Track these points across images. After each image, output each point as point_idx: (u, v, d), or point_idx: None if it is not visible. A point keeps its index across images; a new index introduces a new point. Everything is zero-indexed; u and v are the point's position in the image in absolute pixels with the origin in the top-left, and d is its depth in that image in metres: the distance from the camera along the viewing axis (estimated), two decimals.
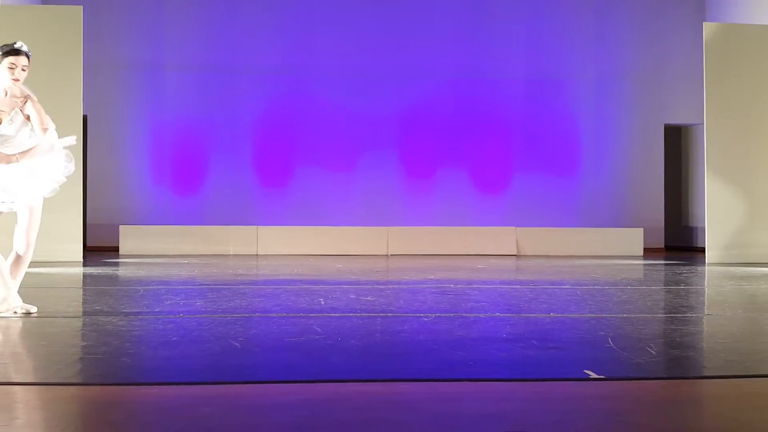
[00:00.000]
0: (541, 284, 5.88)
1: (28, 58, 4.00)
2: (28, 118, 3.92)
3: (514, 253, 10.72)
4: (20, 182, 3.90)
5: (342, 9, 11.43)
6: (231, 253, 10.24)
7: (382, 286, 5.65)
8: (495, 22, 11.61)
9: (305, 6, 11.40)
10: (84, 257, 8.47)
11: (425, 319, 3.78)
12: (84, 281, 6.10)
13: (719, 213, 8.81)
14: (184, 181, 11.20)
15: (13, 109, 3.89)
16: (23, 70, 3.96)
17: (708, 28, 9.07)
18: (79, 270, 7.10)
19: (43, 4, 10.76)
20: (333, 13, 11.43)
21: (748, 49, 8.97)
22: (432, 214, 11.34)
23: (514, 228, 10.93)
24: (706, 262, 8.63)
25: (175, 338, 3.25)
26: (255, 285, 5.91)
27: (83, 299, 4.85)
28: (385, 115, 11.41)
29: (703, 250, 9.22)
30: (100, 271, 7.07)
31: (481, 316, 3.99)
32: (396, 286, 5.76)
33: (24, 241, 4.01)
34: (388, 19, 11.50)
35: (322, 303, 4.44)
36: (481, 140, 11.53)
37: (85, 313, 4.08)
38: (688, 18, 11.77)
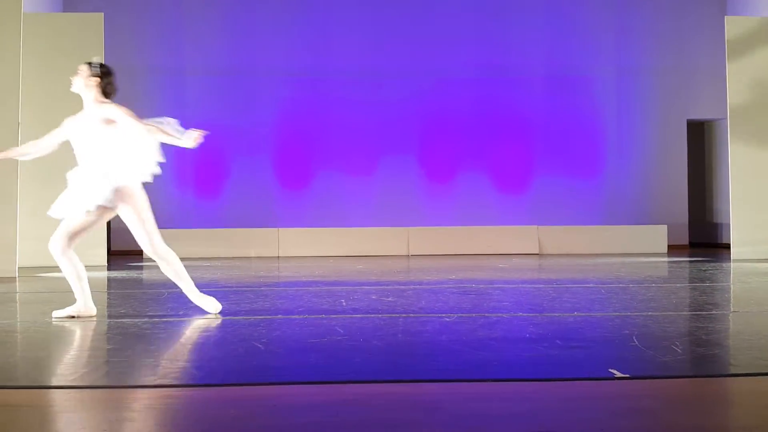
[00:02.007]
0: (564, 283, 5.84)
1: (84, 66, 4.08)
2: (109, 122, 3.95)
3: (536, 252, 10.65)
4: (90, 185, 3.90)
5: (361, 10, 11.45)
6: (253, 256, 10.30)
7: (403, 287, 5.65)
8: (514, 19, 11.55)
9: (324, 7, 11.44)
10: (108, 261, 8.57)
11: (447, 320, 3.77)
12: (109, 285, 6.18)
13: (744, 209, 8.68)
14: (206, 184, 11.29)
15: (96, 120, 4.01)
16: (79, 77, 4.07)
17: (730, 21, 8.94)
18: (104, 274, 7.19)
19: (64, 11, 10.93)
20: (351, 14, 11.45)
21: None
22: (452, 214, 11.31)
23: (536, 227, 10.86)
24: (732, 258, 8.51)
25: (200, 340, 3.28)
26: (277, 287, 5.94)
27: (108, 303, 4.91)
28: (404, 115, 11.41)
29: (728, 246, 9.09)
30: (124, 274, 7.16)
31: (504, 315, 3.97)
32: (417, 286, 5.76)
33: (152, 253, 3.99)
34: (407, 19, 11.49)
35: (344, 304, 4.45)
36: (501, 138, 11.48)
37: (110, 317, 4.13)
38: (710, 12, 11.62)
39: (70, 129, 4.05)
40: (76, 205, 3.92)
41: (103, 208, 3.96)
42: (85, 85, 4.02)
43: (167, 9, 11.34)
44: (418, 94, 11.46)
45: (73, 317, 3.90)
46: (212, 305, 4.00)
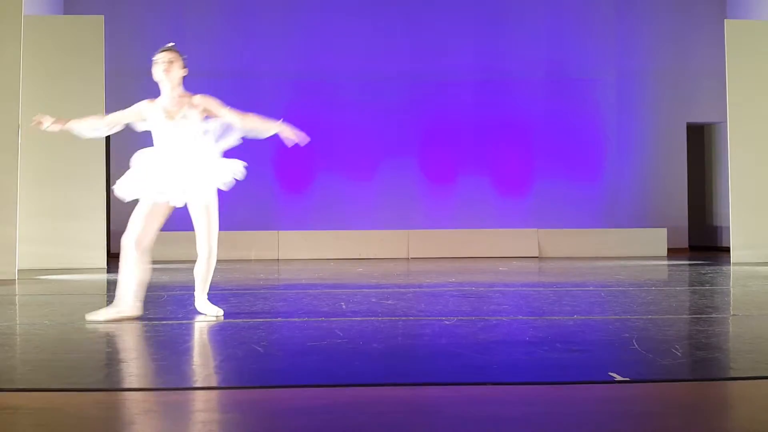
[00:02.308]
0: (564, 286, 5.84)
1: (169, 52, 3.98)
2: (201, 111, 3.89)
3: (536, 255, 10.65)
4: (188, 178, 3.82)
5: (362, 13, 11.47)
6: (252, 258, 10.30)
7: (403, 290, 5.65)
8: (514, 22, 11.56)
9: (326, 10, 11.45)
10: (108, 263, 8.57)
11: (447, 323, 3.77)
12: (108, 288, 6.17)
13: (744, 212, 8.68)
14: None
15: (182, 107, 3.90)
16: (170, 62, 3.95)
17: (730, 25, 8.95)
18: (104, 276, 7.19)
19: (65, 14, 10.94)
20: (353, 18, 11.46)
21: None
22: (452, 217, 11.31)
23: (535, 230, 10.86)
24: (731, 261, 8.51)
25: (199, 343, 3.27)
26: (277, 289, 5.94)
27: (108, 305, 4.89)
28: (405, 119, 11.42)
29: (727, 249, 9.09)
30: None
31: (504, 319, 3.97)
32: (417, 289, 5.75)
33: (206, 247, 4.01)
34: (409, 23, 11.51)
35: (344, 307, 4.44)
36: (501, 142, 11.48)
37: (109, 320, 4.12)
38: (710, 15, 11.63)
39: (148, 114, 3.93)
40: (151, 190, 3.83)
41: (168, 204, 3.89)
42: (178, 72, 3.95)
43: (167, 11, 11.36)
44: (419, 98, 11.47)
45: (116, 320, 3.85)
46: (216, 311, 4.04)
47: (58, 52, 8.39)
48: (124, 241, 3.91)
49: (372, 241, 10.54)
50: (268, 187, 11.25)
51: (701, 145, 12.52)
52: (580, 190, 11.43)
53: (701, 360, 2.84)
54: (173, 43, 4.05)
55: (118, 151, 11.17)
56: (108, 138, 10.47)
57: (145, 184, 3.86)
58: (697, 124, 12.08)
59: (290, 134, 3.93)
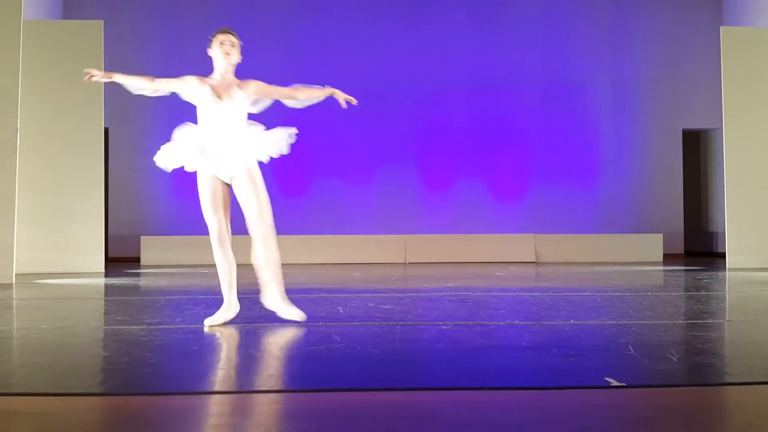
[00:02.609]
0: (561, 291, 5.85)
1: (235, 36, 3.97)
2: (250, 94, 3.86)
3: (533, 260, 10.66)
4: (229, 148, 3.76)
5: (359, 18, 11.50)
6: (250, 263, 10.29)
7: (400, 294, 5.66)
8: (511, 30, 11.60)
9: (325, 16, 11.48)
10: (106, 268, 8.57)
11: (444, 327, 3.78)
12: (106, 292, 6.17)
13: (739, 218, 8.71)
14: None
15: (231, 89, 3.88)
16: (232, 45, 3.94)
17: (725, 32, 9.00)
18: (101, 281, 7.19)
19: (64, 19, 10.95)
20: (350, 23, 11.50)
21: (766, 52, 8.89)
22: (450, 222, 11.32)
23: (532, 235, 10.88)
24: (727, 267, 8.53)
25: (196, 348, 3.28)
26: None
27: (105, 310, 4.90)
28: (402, 124, 11.44)
29: (723, 255, 9.12)
30: (121, 281, 7.15)
31: (501, 323, 3.98)
32: (414, 294, 5.76)
33: (259, 227, 3.81)
34: (407, 29, 11.54)
35: (341, 311, 4.45)
36: (498, 148, 11.51)
37: (107, 324, 4.13)
38: (705, 22, 11.69)
39: (197, 90, 3.94)
40: (192, 159, 3.81)
41: (217, 179, 3.84)
42: (238, 57, 3.95)
43: (167, 17, 11.38)
44: (416, 103, 11.49)
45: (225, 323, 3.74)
46: (296, 314, 3.82)
47: (57, 57, 8.40)
48: (218, 240, 3.90)
49: (370, 246, 10.54)
50: (267, 192, 11.24)
51: (697, 151, 12.56)
52: (576, 195, 11.46)
53: (697, 365, 2.85)
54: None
55: (116, 156, 11.17)
56: (107, 142, 10.48)
57: (187, 154, 3.82)
58: (692, 130, 12.13)
59: (342, 96, 3.97)
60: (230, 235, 3.94)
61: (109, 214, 10.86)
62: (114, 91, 10.61)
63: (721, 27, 9.31)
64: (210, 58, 4.01)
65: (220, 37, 3.95)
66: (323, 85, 4.03)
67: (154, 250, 10.33)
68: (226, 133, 3.82)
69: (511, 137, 11.54)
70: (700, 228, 12.33)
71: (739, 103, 8.78)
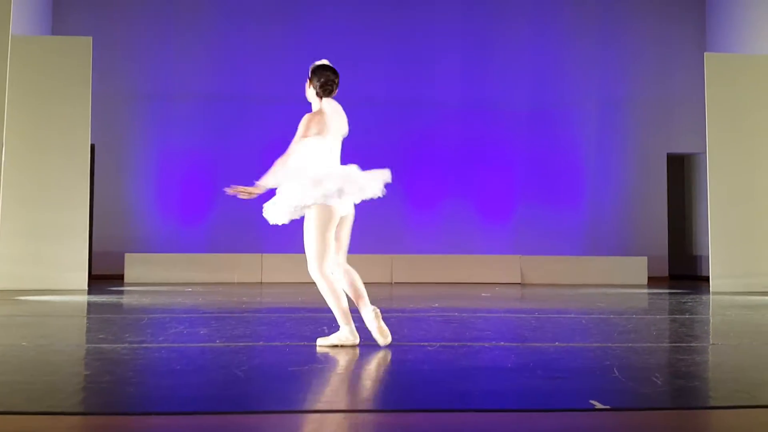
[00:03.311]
0: (546, 313, 5.85)
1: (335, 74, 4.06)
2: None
3: (519, 282, 10.68)
4: (357, 183, 3.91)
5: (346, 37, 11.58)
6: (236, 281, 10.24)
7: (385, 314, 5.63)
8: (498, 52, 11.73)
9: (309, 35, 11.56)
10: (89, 285, 8.48)
11: (430, 348, 3.76)
12: (88, 309, 6.10)
13: (723, 242, 8.79)
14: (190, 209, 11.25)
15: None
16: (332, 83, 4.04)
17: (709, 58, 9.15)
18: (84, 298, 7.11)
19: (53, 34, 10.94)
20: (337, 42, 11.57)
21: (749, 78, 9.04)
22: (436, 243, 11.34)
23: (518, 256, 10.92)
24: (711, 290, 8.59)
25: (178, 367, 3.24)
26: (259, 313, 5.91)
27: (87, 328, 4.84)
28: (390, 143, 11.49)
29: (707, 278, 9.18)
30: (104, 299, 7.07)
31: (486, 345, 3.98)
32: (400, 314, 5.74)
33: (344, 258, 3.96)
34: (394, 49, 11.64)
35: (326, 331, 4.42)
36: (485, 169, 11.58)
37: (89, 342, 4.08)
38: (690, 48, 11.89)
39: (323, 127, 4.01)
40: (278, 209, 3.85)
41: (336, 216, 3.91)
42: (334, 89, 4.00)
43: (154, 34, 11.40)
44: (404, 123, 11.56)
45: (336, 346, 3.70)
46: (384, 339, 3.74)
47: (44, 72, 8.38)
48: (312, 271, 3.88)
49: (356, 264, 10.49)
50: (253, 210, 11.20)
51: (681, 175, 12.70)
52: (562, 217, 11.53)
53: (681, 389, 2.85)
54: (323, 60, 4.08)
55: (102, 173, 11.11)
56: (93, 161, 10.43)
57: (320, 190, 3.87)
58: (677, 154, 12.27)
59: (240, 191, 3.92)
60: (335, 265, 4.06)
61: (93, 231, 10.77)
62: (101, 108, 10.63)
63: (705, 53, 9.47)
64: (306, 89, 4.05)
65: (333, 77, 4.10)
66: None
67: (138, 267, 10.24)
68: (349, 168, 4.00)
69: (499, 158, 11.62)
70: (685, 252, 12.43)
71: (722, 128, 8.90)
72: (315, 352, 3.58)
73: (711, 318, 5.74)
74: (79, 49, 8.54)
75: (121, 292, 7.99)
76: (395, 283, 10.38)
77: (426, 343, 3.96)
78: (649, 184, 11.76)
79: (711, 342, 4.28)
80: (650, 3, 12.02)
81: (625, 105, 11.83)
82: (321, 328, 4.59)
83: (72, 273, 8.27)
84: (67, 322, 5.21)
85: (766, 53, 9.78)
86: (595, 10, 11.89)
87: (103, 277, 10.68)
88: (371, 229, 11.41)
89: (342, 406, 2.48)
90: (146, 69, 11.31)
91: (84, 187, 8.43)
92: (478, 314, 5.78)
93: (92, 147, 10.38)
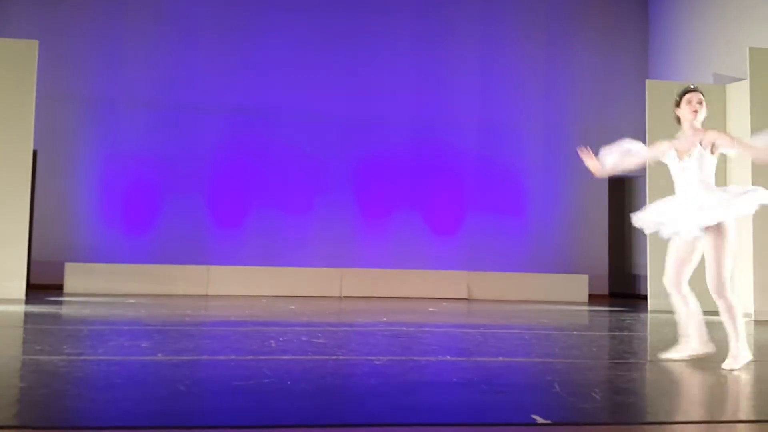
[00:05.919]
0: (491, 328, 5.94)
1: (700, 94, 4.09)
2: (712, 148, 3.89)
3: (466, 297, 10.81)
4: (701, 204, 3.81)
5: (302, 52, 11.59)
6: (181, 293, 10.04)
7: (334, 328, 5.63)
8: (450, 74, 11.93)
9: (263, 47, 11.52)
10: (27, 295, 8.19)
11: (377, 363, 3.78)
12: (25, 320, 5.89)
13: (660, 261, 9.02)
14: (135, 218, 11.00)
15: (692, 146, 3.97)
16: (699, 103, 4.03)
17: (651, 84, 9.50)
18: (21, 308, 6.86)
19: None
20: (292, 56, 11.56)
21: None
22: (386, 256, 11.38)
23: (465, 272, 11.06)
24: (648, 309, 8.86)
25: (118, 381, 3.17)
26: (204, 326, 5.81)
27: (24, 339, 4.68)
28: (341, 158, 11.51)
29: (645, 297, 9.47)
30: (42, 309, 6.84)
31: (432, 359, 4.01)
32: (348, 328, 5.74)
33: (712, 285, 3.83)
34: (348, 65, 11.70)
35: (273, 345, 4.39)
36: (434, 185, 11.72)
37: (25, 353, 3.95)
38: (632, 74, 12.33)
39: (666, 154, 4.13)
40: (680, 228, 3.92)
41: (694, 238, 3.92)
42: (704, 114, 4.05)
43: (103, 39, 11.17)
44: (355, 139, 11.60)
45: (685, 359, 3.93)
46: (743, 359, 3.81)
47: None
48: (665, 284, 4.15)
49: (305, 278, 10.46)
50: (201, 222, 11.06)
51: (622, 197, 13.10)
52: (508, 235, 11.75)
53: (619, 404, 2.94)
54: (693, 85, 4.14)
55: (43, 179, 10.78)
56: (34, 167, 10.11)
57: (660, 219, 4.07)
58: (618, 177, 12.66)
59: None
60: (685, 285, 4.14)
61: (33, 239, 10.42)
62: (44, 112, 10.32)
63: (646, 80, 9.83)
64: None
65: (689, 95, 4.09)
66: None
67: (78, 277, 9.94)
68: (687, 193, 3.99)
69: (447, 175, 11.77)
70: (624, 270, 12.79)
71: None
72: (261, 366, 3.55)
73: (648, 336, 5.92)
74: (25, 52, 8.30)
75: (61, 303, 7.74)
76: (344, 296, 10.37)
77: (374, 357, 3.98)
78: (591, 205, 12.09)
79: (648, 359, 4.41)
80: (598, 33, 12.42)
81: (568, 127, 12.16)
82: (268, 342, 4.56)
83: (9, 282, 7.98)
84: (3, 332, 5.02)
85: (706, 82, 10.21)
86: (545, 38, 12.22)
87: (42, 286, 10.33)
88: (321, 243, 11.38)
89: (287, 421, 2.47)
90: (92, 73, 11.06)
91: (24, 193, 8.16)
92: (425, 329, 5.83)
93: (34, 152, 10.07)
